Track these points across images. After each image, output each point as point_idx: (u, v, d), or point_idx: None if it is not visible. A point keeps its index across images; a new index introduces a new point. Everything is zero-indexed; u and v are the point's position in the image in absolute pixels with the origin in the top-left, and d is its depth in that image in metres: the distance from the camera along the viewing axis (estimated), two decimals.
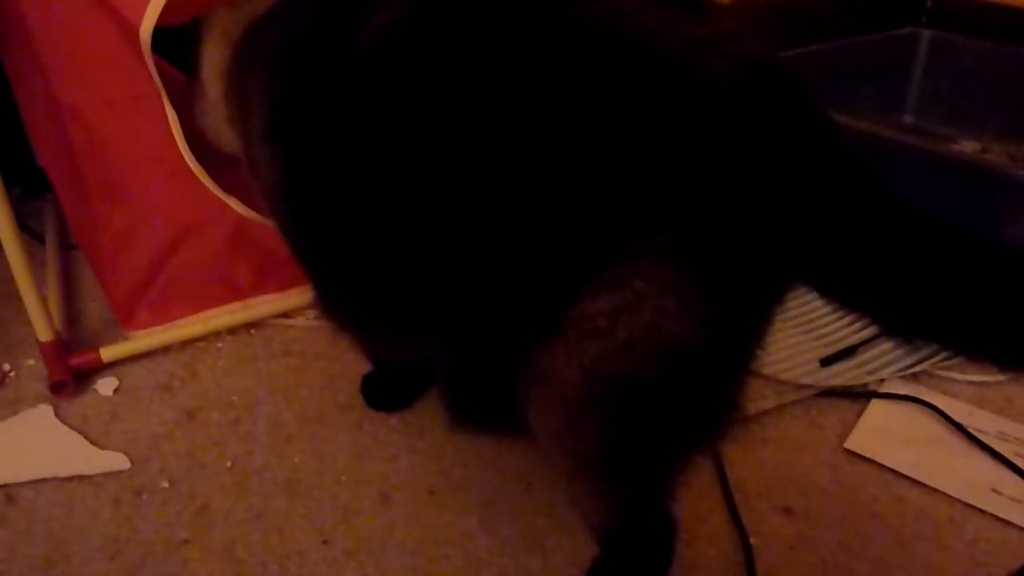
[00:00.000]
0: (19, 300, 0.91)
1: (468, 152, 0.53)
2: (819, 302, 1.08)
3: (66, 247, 1.22)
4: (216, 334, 1.04)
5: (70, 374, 0.94)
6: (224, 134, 0.88)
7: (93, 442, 0.88)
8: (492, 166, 0.52)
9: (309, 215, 0.67)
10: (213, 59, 0.86)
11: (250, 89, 0.74)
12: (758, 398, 0.94)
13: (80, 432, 0.89)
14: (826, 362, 0.99)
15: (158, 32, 0.85)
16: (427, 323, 0.63)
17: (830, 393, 0.96)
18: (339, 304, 0.74)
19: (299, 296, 1.06)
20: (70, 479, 0.84)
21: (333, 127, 0.61)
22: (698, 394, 0.54)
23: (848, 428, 0.92)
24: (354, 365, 0.97)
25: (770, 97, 0.49)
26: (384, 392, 0.94)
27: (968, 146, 1.67)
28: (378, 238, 0.60)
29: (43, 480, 0.84)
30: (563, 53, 0.50)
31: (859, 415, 0.94)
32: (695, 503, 0.81)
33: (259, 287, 1.05)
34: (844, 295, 0.55)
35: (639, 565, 0.67)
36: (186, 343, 1.03)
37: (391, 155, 0.57)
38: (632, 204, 0.49)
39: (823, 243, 0.52)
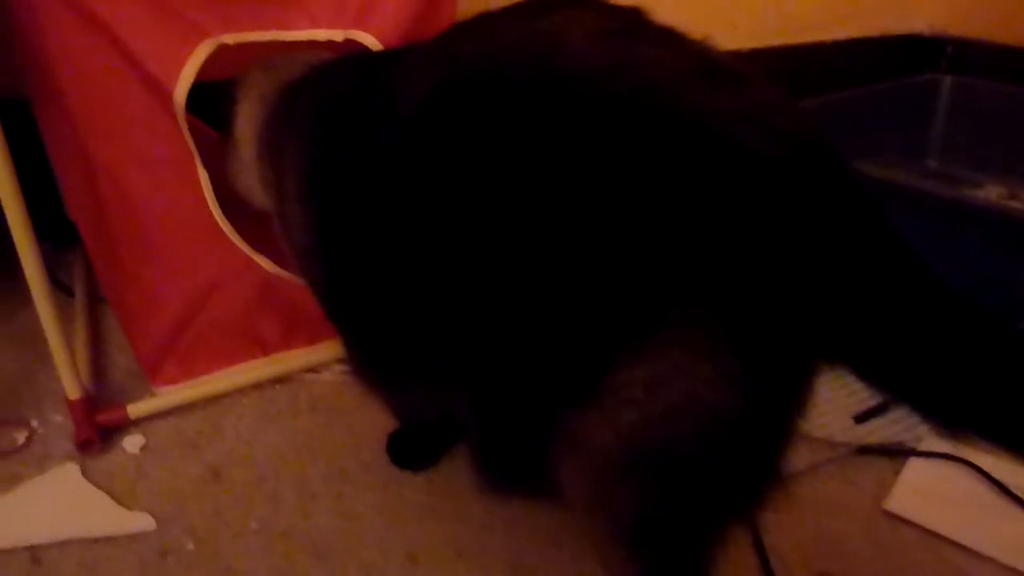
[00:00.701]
0: (48, 354, 0.92)
1: (506, 221, 0.53)
2: None
3: (95, 300, 1.23)
4: (242, 389, 1.04)
5: (97, 432, 0.93)
6: (256, 193, 0.89)
7: (119, 501, 0.87)
8: (530, 235, 0.52)
9: (342, 276, 0.68)
10: (248, 120, 0.87)
11: (286, 151, 0.75)
12: (791, 457, 0.92)
13: (106, 491, 0.89)
14: (860, 419, 0.97)
15: (192, 88, 0.87)
16: (458, 384, 0.62)
17: (866, 451, 0.94)
18: (370, 363, 0.74)
19: (326, 350, 1.06)
20: (96, 540, 0.83)
21: (369, 193, 0.62)
22: (736, 463, 0.53)
23: (886, 488, 0.89)
24: (380, 421, 0.97)
25: (808, 171, 0.49)
26: (411, 451, 0.93)
27: (993, 191, 1.66)
28: (412, 300, 0.60)
29: (69, 541, 0.83)
30: (599, 125, 0.51)
31: (897, 474, 0.91)
32: (729, 568, 0.79)
33: (286, 342, 1.05)
34: (879, 377, 0.54)
35: None
36: (212, 399, 1.03)
37: (427, 221, 0.57)
38: (669, 273, 0.49)
39: (858, 321, 0.51)
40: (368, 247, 0.63)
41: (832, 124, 1.29)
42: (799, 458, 0.92)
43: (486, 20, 0.62)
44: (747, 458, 0.54)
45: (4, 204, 0.82)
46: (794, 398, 0.54)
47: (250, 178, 0.88)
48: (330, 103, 0.70)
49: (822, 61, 1.83)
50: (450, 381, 0.63)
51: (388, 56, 0.73)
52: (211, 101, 0.93)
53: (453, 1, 1.03)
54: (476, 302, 0.55)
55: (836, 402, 0.99)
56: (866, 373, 0.54)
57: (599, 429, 0.53)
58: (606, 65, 0.52)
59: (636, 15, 0.57)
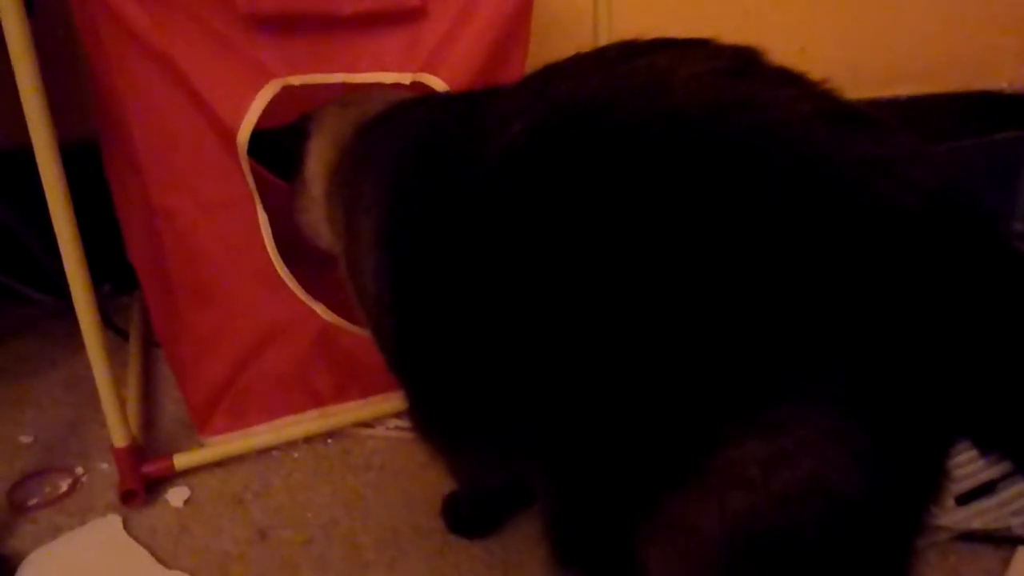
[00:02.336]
0: (98, 402, 0.89)
1: (608, 274, 0.47)
2: None
3: (149, 345, 1.20)
4: (292, 443, 0.99)
5: (142, 483, 0.90)
6: (321, 232, 0.86)
7: (160, 559, 0.83)
8: (636, 292, 0.46)
9: (416, 327, 0.62)
10: (319, 156, 0.85)
11: (362, 191, 0.71)
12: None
13: (147, 546, 0.84)
14: (962, 500, 0.88)
15: (255, 134, 0.84)
16: (537, 453, 0.56)
17: (970, 537, 0.84)
18: (437, 421, 0.68)
19: (380, 404, 1.01)
20: None
21: (453, 241, 0.56)
22: (862, 559, 0.46)
23: None
24: (435, 483, 0.91)
25: (950, 226, 0.43)
26: (467, 516, 0.87)
27: None
28: (494, 359, 0.54)
29: None
30: (718, 170, 0.45)
31: (1006, 563, 0.82)
32: None
33: (339, 395, 1.01)
34: (1013, 450, 0.46)
35: None
36: (261, 452, 0.98)
37: (517, 272, 0.51)
38: (795, 337, 0.42)
39: (1002, 393, 0.44)
40: (450, 298, 0.57)
41: None
42: None
43: (579, 62, 0.58)
44: (875, 553, 0.46)
45: (62, 246, 0.81)
46: (930, 483, 0.47)
47: (316, 216, 0.85)
48: (412, 144, 0.66)
49: (902, 117, 1.77)
50: (528, 449, 0.57)
51: (472, 97, 0.69)
52: (273, 147, 0.91)
53: (524, 46, 1.00)
54: (568, 365, 0.49)
55: None
56: (999, 446, 0.46)
57: (702, 513, 0.46)
58: (722, 105, 0.47)
59: (748, 54, 0.52)
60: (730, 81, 0.49)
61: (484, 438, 0.63)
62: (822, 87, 0.49)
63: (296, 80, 0.87)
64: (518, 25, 0.98)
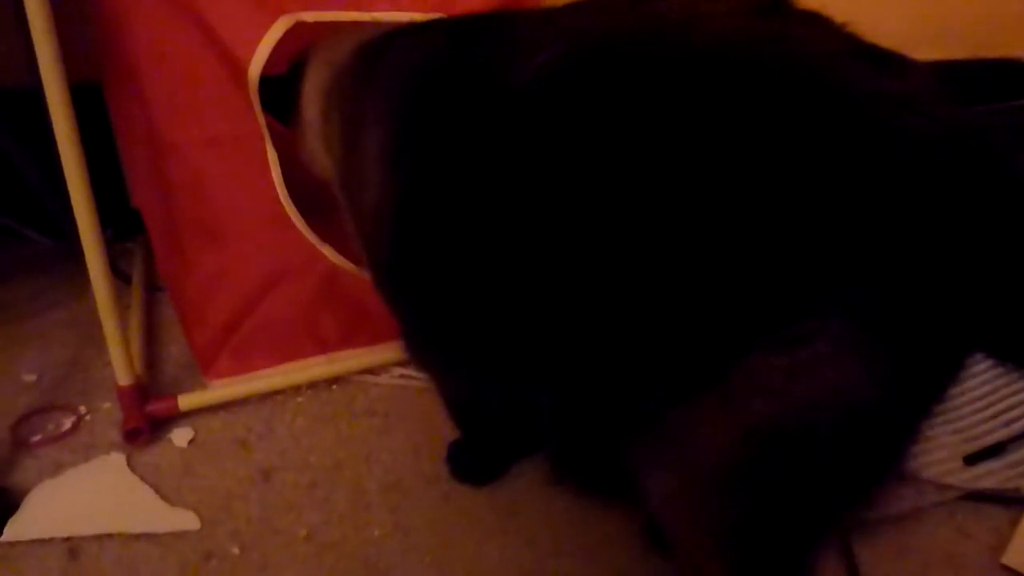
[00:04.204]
0: (100, 342, 0.88)
1: (636, 197, 0.48)
2: (957, 391, 0.97)
3: (152, 290, 1.19)
4: (296, 388, 0.99)
5: (146, 421, 0.89)
6: (318, 156, 0.84)
7: (164, 497, 0.82)
8: (664, 210, 0.47)
9: (419, 243, 0.61)
10: (314, 80, 0.83)
11: (366, 106, 0.69)
12: (895, 496, 0.82)
13: (152, 485, 0.84)
14: (971, 460, 0.87)
15: (263, 81, 0.83)
16: (543, 371, 0.56)
17: (978, 497, 0.84)
18: (435, 342, 0.66)
19: (385, 352, 1.00)
20: (137, 536, 0.78)
21: (469, 162, 0.55)
22: (866, 460, 0.49)
23: (1002, 539, 0.79)
24: (441, 430, 0.90)
25: (971, 159, 0.45)
26: (473, 463, 0.86)
27: None
28: (504, 276, 0.54)
29: (109, 535, 0.78)
30: (750, 100, 0.46)
31: (1014, 524, 0.81)
32: None
33: (345, 341, 1.00)
34: None
35: None
36: (265, 396, 0.97)
37: (539, 195, 0.51)
38: (824, 255, 0.44)
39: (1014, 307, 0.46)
40: (460, 217, 0.56)
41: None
42: (903, 498, 0.82)
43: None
44: (879, 454, 0.49)
45: (71, 189, 0.80)
46: (937, 393, 0.49)
47: (313, 140, 0.83)
48: (426, 64, 0.64)
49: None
50: (533, 367, 0.57)
51: (490, 21, 0.67)
52: (279, 93, 0.89)
53: None
54: (592, 280, 0.49)
55: (942, 439, 0.89)
56: (1012, 357, 0.49)
57: (719, 420, 0.47)
58: (753, 40, 0.48)
59: None
60: (759, 19, 0.50)
61: (486, 355, 0.61)
62: (845, 27, 0.50)
63: (309, 16, 0.84)
64: None
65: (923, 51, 1.66)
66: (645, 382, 0.50)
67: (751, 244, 0.44)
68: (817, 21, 0.51)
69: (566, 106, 0.51)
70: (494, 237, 0.54)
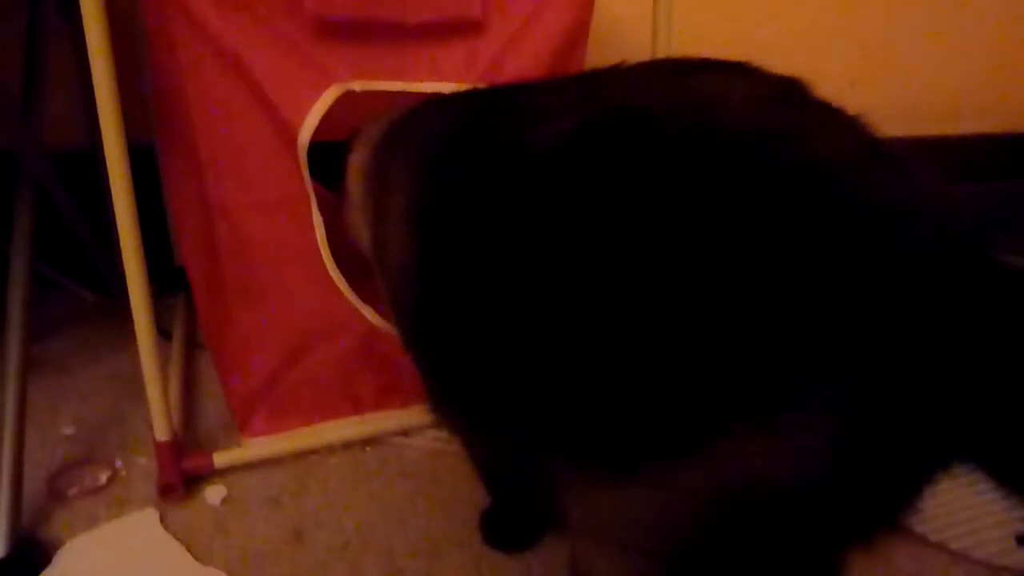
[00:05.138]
0: (139, 397, 0.89)
1: (642, 275, 0.48)
2: None
3: (192, 347, 1.21)
4: (331, 448, 0.98)
5: (181, 478, 0.89)
6: (360, 231, 0.86)
7: (196, 555, 0.82)
8: (670, 293, 0.47)
9: (440, 301, 0.61)
10: (356, 161, 0.85)
11: (392, 174, 0.72)
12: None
13: (184, 542, 0.83)
14: (1023, 540, 0.84)
15: (311, 147, 0.85)
16: (541, 412, 0.56)
17: None
18: (452, 401, 0.67)
19: (420, 415, 1.00)
20: None
21: (487, 223, 0.56)
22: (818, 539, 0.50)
23: None
24: (474, 495, 0.89)
25: (968, 268, 0.46)
26: (504, 529, 0.85)
27: None
28: (510, 340, 0.55)
29: None
30: (762, 191, 0.46)
31: None
32: None
33: (380, 402, 1.00)
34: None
35: None
36: (299, 455, 0.97)
37: (548, 261, 0.52)
38: (814, 353, 0.44)
39: (1006, 424, 0.45)
40: (477, 276, 0.57)
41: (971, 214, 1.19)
42: None
43: (630, 71, 0.59)
44: (832, 537, 0.51)
45: (123, 246, 0.83)
46: (907, 495, 0.49)
47: (355, 216, 0.85)
48: (448, 131, 0.67)
49: (951, 155, 1.74)
50: (537, 423, 0.57)
51: (509, 91, 0.69)
52: (326, 160, 0.92)
53: (582, 59, 1.00)
54: (587, 355, 0.50)
55: (992, 518, 0.86)
56: (1002, 476, 0.47)
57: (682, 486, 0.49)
58: (770, 131, 0.49)
59: (793, 84, 0.53)
60: (778, 108, 0.51)
61: (498, 421, 0.62)
62: (861, 123, 0.51)
63: (357, 85, 0.87)
64: (576, 37, 0.98)
65: (965, 125, 1.67)
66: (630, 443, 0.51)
67: (743, 332, 0.45)
68: (834, 114, 0.52)
69: (580, 174, 0.51)
70: (501, 300, 0.54)
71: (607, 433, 0.51)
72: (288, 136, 0.86)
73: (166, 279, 1.26)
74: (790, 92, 0.53)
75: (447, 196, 0.62)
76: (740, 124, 0.49)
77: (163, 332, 1.22)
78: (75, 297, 1.33)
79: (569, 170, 0.52)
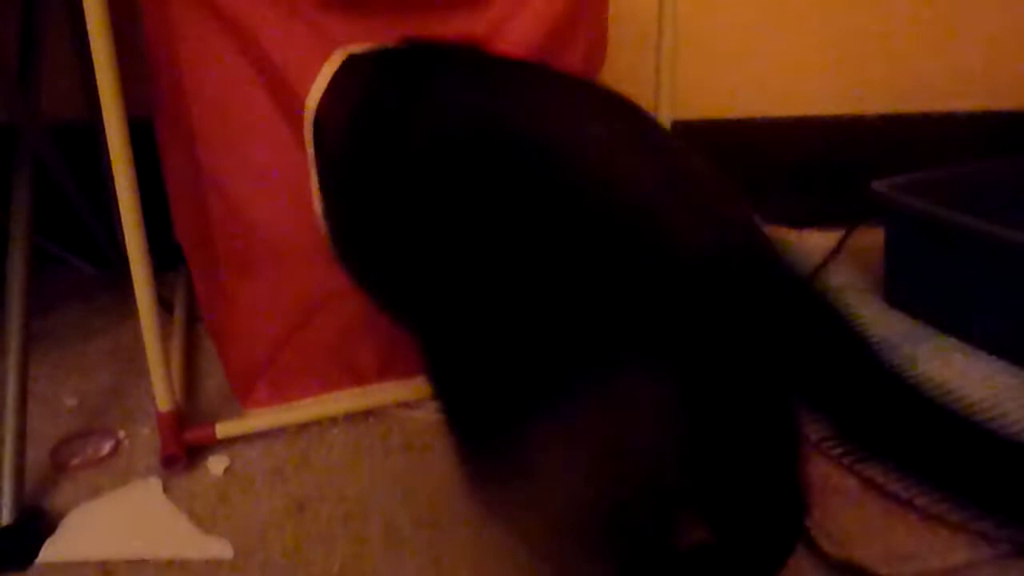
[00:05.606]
0: (141, 369, 0.89)
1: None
2: None
3: (192, 320, 1.21)
4: (333, 419, 0.99)
5: (183, 448, 0.89)
6: None
7: (199, 524, 0.82)
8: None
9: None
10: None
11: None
12: (944, 549, 0.80)
13: (187, 512, 0.84)
14: None
15: None
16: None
17: None
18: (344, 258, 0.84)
19: (423, 386, 0.99)
20: (170, 563, 0.78)
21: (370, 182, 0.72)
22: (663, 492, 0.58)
23: None
24: None
25: (747, 256, 0.56)
26: None
27: None
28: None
29: (143, 560, 0.78)
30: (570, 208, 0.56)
31: None
32: None
33: (382, 373, 1.00)
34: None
35: None
36: (301, 426, 0.98)
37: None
38: (633, 330, 0.53)
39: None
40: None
41: (963, 195, 1.18)
42: (955, 554, 0.79)
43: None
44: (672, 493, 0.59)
45: (124, 219, 0.82)
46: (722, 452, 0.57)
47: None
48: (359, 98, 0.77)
49: (951, 131, 1.73)
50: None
51: (418, 65, 0.77)
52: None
53: (588, 32, 0.99)
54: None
55: None
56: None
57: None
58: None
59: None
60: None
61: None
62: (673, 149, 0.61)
63: (360, 50, 0.86)
64: (580, 10, 0.97)
65: (968, 100, 1.64)
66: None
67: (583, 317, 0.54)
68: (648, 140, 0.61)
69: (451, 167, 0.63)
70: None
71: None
72: (289, 103, 0.85)
73: (166, 252, 1.25)
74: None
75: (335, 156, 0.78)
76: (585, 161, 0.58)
77: (165, 305, 1.22)
78: (76, 271, 1.33)
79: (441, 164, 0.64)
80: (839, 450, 0.93)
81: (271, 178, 0.89)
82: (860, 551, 0.78)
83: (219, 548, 0.79)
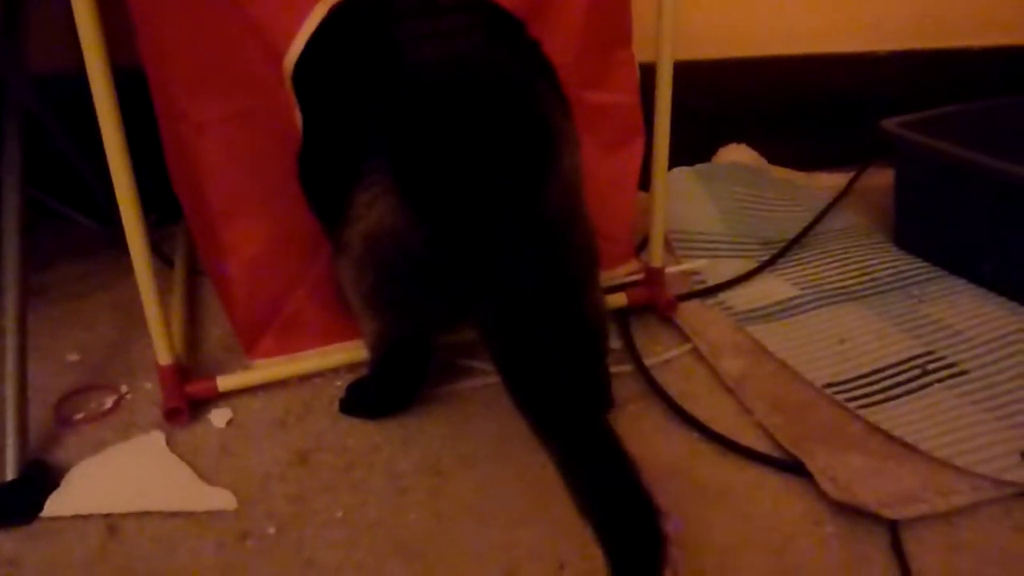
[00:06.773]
0: (143, 324, 0.88)
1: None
2: (1013, 384, 0.93)
3: (194, 273, 1.20)
4: (335, 370, 0.98)
5: (186, 401, 0.89)
6: None
7: (202, 476, 0.83)
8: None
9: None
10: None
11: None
12: (948, 491, 0.79)
13: (190, 464, 0.84)
14: None
15: None
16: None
17: None
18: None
19: None
20: (175, 515, 0.78)
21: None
22: (413, 267, 0.76)
23: None
24: (480, 414, 0.90)
25: (467, 73, 0.75)
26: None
27: None
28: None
29: (147, 513, 0.78)
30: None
31: None
32: None
33: None
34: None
35: (398, 376, 0.91)
36: (303, 378, 0.98)
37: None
38: (373, 139, 0.75)
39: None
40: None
41: (974, 133, 1.14)
42: (958, 493, 0.79)
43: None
44: (420, 267, 0.75)
45: (113, 172, 0.81)
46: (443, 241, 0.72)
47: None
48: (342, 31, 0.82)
49: (968, 68, 1.68)
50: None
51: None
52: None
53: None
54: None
55: (999, 435, 0.86)
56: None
57: (350, 234, 0.77)
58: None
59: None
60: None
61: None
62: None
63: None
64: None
65: (987, 36, 1.58)
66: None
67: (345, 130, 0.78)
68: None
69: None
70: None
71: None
72: (273, 46, 0.82)
73: (168, 206, 1.24)
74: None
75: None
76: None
77: (165, 259, 1.22)
78: (76, 226, 1.32)
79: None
80: (844, 395, 0.93)
81: (260, 119, 0.87)
82: (864, 494, 0.78)
83: (223, 499, 0.80)
